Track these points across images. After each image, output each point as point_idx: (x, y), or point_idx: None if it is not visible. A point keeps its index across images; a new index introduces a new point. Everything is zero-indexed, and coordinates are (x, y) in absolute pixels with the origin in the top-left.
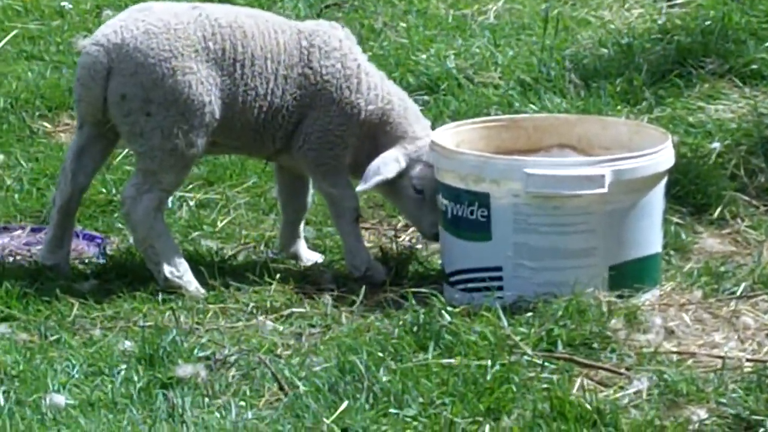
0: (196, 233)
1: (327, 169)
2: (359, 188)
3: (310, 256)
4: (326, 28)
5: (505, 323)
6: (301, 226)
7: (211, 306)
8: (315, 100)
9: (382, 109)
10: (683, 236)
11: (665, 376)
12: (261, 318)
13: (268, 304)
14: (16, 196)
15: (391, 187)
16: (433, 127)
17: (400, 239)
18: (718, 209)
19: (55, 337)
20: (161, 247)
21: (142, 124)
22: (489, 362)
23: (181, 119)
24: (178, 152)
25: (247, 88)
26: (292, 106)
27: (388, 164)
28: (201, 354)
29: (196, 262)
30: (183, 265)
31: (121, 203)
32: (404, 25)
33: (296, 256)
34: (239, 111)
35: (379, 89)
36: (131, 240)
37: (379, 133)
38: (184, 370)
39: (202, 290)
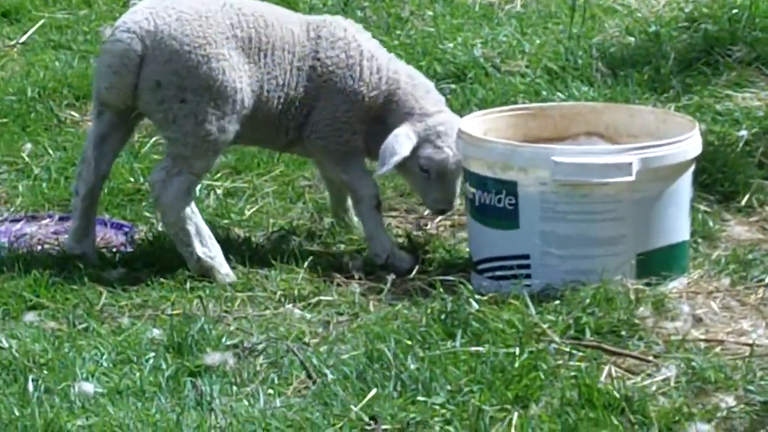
0: (224, 221)
1: (338, 156)
2: (379, 172)
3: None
4: (331, 19)
5: (533, 311)
6: (348, 202)
7: (239, 294)
8: (321, 90)
9: (387, 90)
10: (711, 224)
11: (693, 363)
12: (289, 306)
13: (296, 292)
14: (44, 185)
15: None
16: (460, 116)
17: (427, 227)
18: (746, 197)
19: (83, 326)
20: (193, 229)
21: (176, 110)
22: (517, 350)
23: (215, 105)
24: (211, 138)
25: (269, 77)
26: (303, 97)
27: (401, 143)
28: (229, 342)
29: (225, 251)
30: (216, 247)
31: (150, 187)
32: (431, 13)
33: (348, 224)
34: (264, 101)
35: (384, 71)
36: (159, 227)
37: (386, 114)
38: (213, 358)
39: (233, 275)
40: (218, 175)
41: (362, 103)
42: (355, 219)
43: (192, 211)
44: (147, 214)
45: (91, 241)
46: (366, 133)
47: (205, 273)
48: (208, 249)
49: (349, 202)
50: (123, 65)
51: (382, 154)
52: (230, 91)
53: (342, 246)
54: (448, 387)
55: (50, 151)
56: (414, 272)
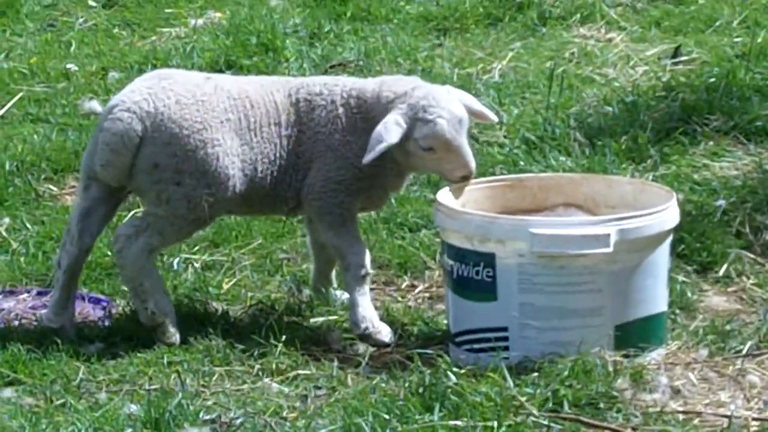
0: (202, 295)
1: (332, 219)
2: (365, 159)
3: (344, 296)
4: (310, 80)
5: (511, 384)
6: (333, 273)
7: (216, 368)
8: (314, 152)
9: (359, 110)
10: (689, 294)
11: None
12: (267, 380)
13: (274, 366)
14: (22, 259)
15: (402, 154)
16: (438, 189)
17: (405, 299)
18: (724, 267)
19: (60, 401)
20: (150, 285)
21: (171, 192)
22: (495, 423)
23: (209, 191)
24: (198, 222)
25: (262, 156)
26: (297, 163)
27: (389, 129)
28: (207, 417)
29: (202, 324)
30: (169, 306)
31: (115, 239)
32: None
33: (327, 297)
34: (260, 179)
35: (353, 100)
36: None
37: (374, 123)
38: None
39: (177, 338)
40: (196, 248)
41: (352, 153)
42: (336, 293)
43: (151, 267)
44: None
45: (70, 315)
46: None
47: (154, 327)
48: (163, 306)
49: (334, 273)
50: (122, 144)
51: (371, 141)
52: (224, 177)
53: (320, 319)
54: None
55: (28, 226)
56: (392, 345)
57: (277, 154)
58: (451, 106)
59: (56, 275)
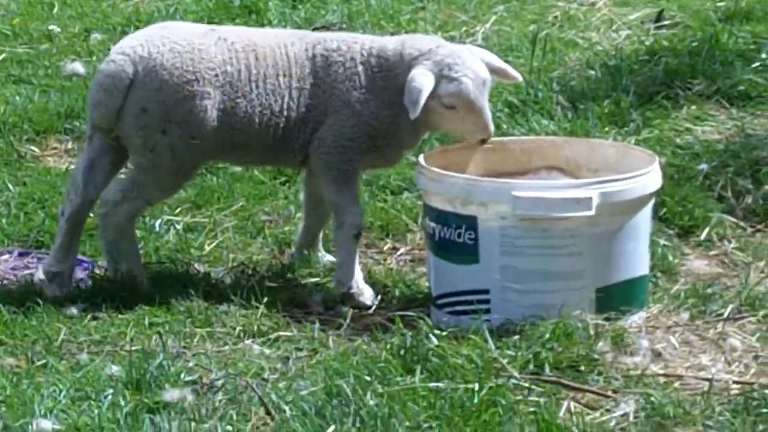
0: (185, 257)
1: (337, 175)
2: (412, 114)
3: (326, 258)
4: (327, 35)
5: (492, 346)
6: (320, 234)
7: (198, 330)
8: (328, 106)
9: (380, 69)
10: (670, 258)
11: (652, 398)
12: (248, 342)
13: (256, 328)
14: (4, 220)
15: (423, 110)
16: (421, 151)
17: (387, 262)
18: (706, 231)
19: (42, 362)
20: (126, 249)
21: (157, 140)
22: (476, 385)
23: (193, 141)
24: (180, 173)
25: (263, 108)
26: (307, 117)
27: (421, 80)
28: (188, 378)
29: (184, 286)
30: (141, 269)
31: (102, 203)
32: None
33: (310, 260)
34: (256, 132)
35: (374, 59)
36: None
37: (396, 81)
38: (171, 394)
39: (149, 289)
40: (178, 210)
41: (369, 110)
42: (320, 255)
43: (131, 233)
44: None
45: (71, 264)
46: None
47: (127, 286)
48: (134, 270)
49: (320, 239)
50: (113, 85)
51: (407, 99)
52: (209, 130)
53: (302, 281)
54: (407, 423)
55: (10, 187)
56: (373, 307)
57: (284, 106)
58: (475, 66)
59: (59, 223)
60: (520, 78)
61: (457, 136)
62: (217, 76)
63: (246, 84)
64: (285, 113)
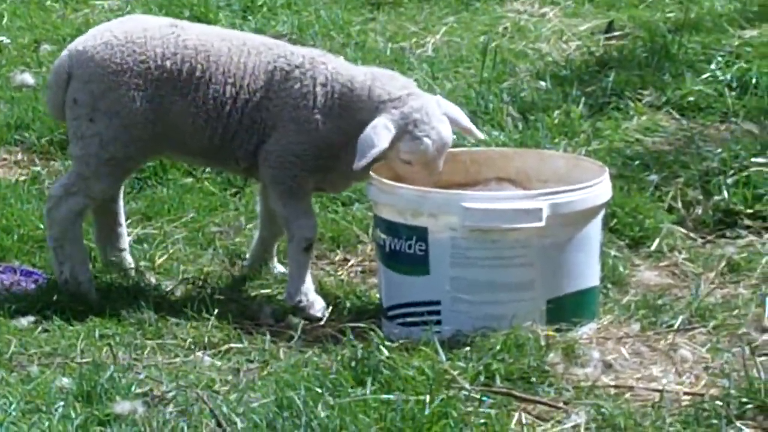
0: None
1: (284, 190)
2: (357, 164)
3: (278, 269)
4: (300, 50)
5: (443, 358)
6: (275, 245)
7: (148, 342)
8: (277, 120)
9: (343, 99)
10: (621, 269)
11: (603, 410)
12: (199, 354)
13: (206, 340)
14: None
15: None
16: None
17: (338, 273)
18: (656, 242)
19: None
20: (71, 251)
21: (84, 128)
22: (427, 397)
23: (121, 132)
24: (112, 162)
25: (198, 110)
26: (252, 127)
27: (379, 134)
28: (139, 390)
29: (134, 297)
30: (86, 274)
31: (48, 199)
32: (342, 58)
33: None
34: (190, 131)
35: (337, 85)
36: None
37: (356, 114)
38: (122, 407)
39: (95, 296)
40: (129, 221)
41: (317, 131)
42: (273, 266)
43: (77, 233)
44: None
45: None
46: (347, 137)
47: (71, 293)
48: (78, 274)
49: (274, 251)
50: (55, 80)
51: (360, 145)
52: (139, 120)
53: (253, 293)
54: None
55: None
56: (324, 319)
57: (225, 113)
58: (440, 127)
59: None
60: (482, 137)
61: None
62: (149, 69)
63: (187, 83)
64: (225, 120)
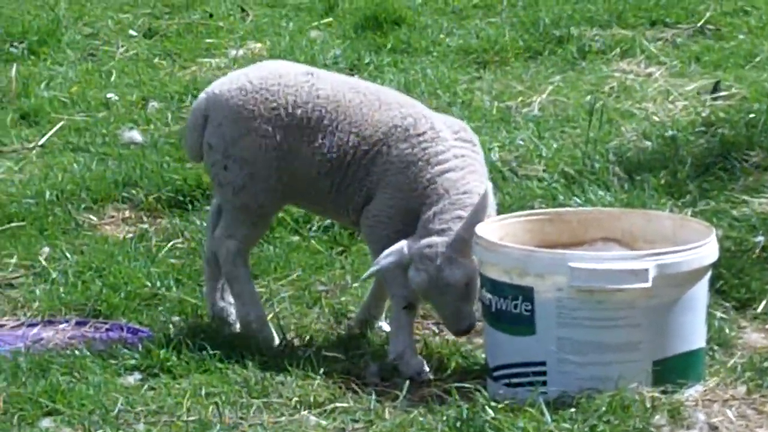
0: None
1: (378, 249)
2: (362, 277)
3: (384, 328)
4: (433, 119)
5: (549, 419)
6: (384, 305)
7: (254, 400)
8: (383, 179)
9: (428, 199)
10: (727, 331)
11: None
12: (304, 412)
13: (312, 399)
14: (61, 289)
15: None
16: None
17: (444, 332)
18: (762, 304)
19: None
20: (238, 290)
21: (221, 177)
22: None
23: (251, 180)
24: (247, 210)
25: (323, 158)
26: (364, 180)
27: (389, 256)
28: None
29: (240, 355)
30: (257, 311)
31: (216, 240)
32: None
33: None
34: (313, 178)
35: (437, 181)
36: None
37: (421, 212)
38: None
39: (274, 338)
40: None
41: (405, 201)
42: (380, 324)
43: (240, 272)
44: (163, 319)
45: (225, 302)
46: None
47: (247, 332)
48: (249, 312)
49: (383, 309)
50: (192, 122)
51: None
52: (267, 169)
53: (359, 351)
54: None
55: (67, 255)
56: (424, 378)
57: (347, 162)
58: (448, 270)
59: (204, 267)
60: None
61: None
62: (279, 116)
63: (313, 131)
64: (345, 170)
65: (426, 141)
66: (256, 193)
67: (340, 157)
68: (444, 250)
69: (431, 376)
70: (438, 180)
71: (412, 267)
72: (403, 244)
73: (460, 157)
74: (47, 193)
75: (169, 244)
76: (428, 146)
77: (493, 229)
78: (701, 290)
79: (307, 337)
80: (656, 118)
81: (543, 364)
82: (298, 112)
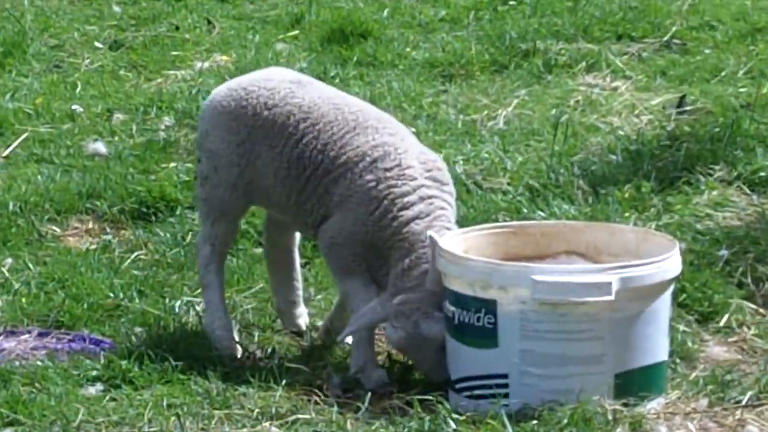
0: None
1: (335, 268)
2: (340, 336)
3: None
4: (405, 145)
5: (511, 431)
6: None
7: (216, 412)
8: (344, 204)
9: (394, 242)
10: (689, 344)
11: None
12: (266, 424)
13: (274, 410)
14: (24, 300)
15: None
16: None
17: None
18: (725, 317)
19: None
20: (208, 297)
21: (198, 169)
22: None
23: (214, 172)
24: (210, 203)
25: (281, 165)
26: (322, 199)
27: (363, 316)
28: None
29: (202, 366)
30: (220, 321)
31: None
32: (413, 130)
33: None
34: (271, 183)
35: (403, 227)
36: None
37: (388, 256)
38: None
39: (233, 349)
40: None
41: (363, 236)
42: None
43: (210, 279)
44: (125, 331)
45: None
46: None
47: (211, 341)
48: (215, 321)
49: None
50: (199, 121)
51: (356, 315)
52: (228, 164)
53: (321, 363)
54: None
55: (30, 266)
56: (389, 390)
57: (305, 177)
58: (424, 325)
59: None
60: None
61: None
62: (246, 114)
63: (277, 136)
64: (303, 183)
65: (392, 179)
66: (218, 185)
67: (299, 168)
68: (419, 306)
69: (394, 389)
70: (404, 231)
71: (389, 325)
72: (376, 303)
73: (426, 199)
74: (10, 204)
75: (133, 256)
76: (393, 184)
77: (456, 241)
78: (664, 303)
79: (270, 349)
80: (621, 132)
81: (505, 376)
82: (265, 113)
